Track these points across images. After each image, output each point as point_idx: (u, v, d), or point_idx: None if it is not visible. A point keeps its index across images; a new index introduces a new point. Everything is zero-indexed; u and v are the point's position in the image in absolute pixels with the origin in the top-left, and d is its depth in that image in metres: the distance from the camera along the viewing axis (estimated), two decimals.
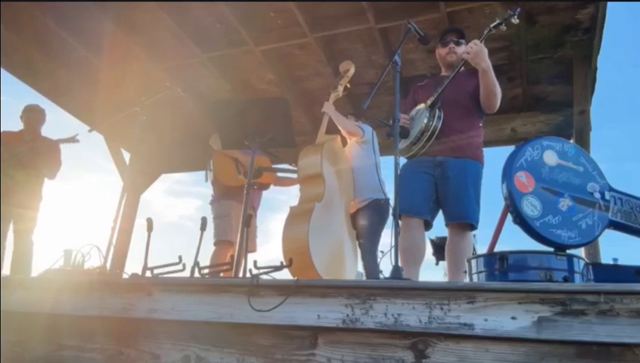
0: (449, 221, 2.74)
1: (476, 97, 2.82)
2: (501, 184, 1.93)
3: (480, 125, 2.92)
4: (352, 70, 3.67)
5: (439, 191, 2.76)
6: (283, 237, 2.95)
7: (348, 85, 3.70)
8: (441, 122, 2.77)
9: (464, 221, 2.68)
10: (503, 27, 2.75)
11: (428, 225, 2.82)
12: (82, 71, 4.74)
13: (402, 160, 2.92)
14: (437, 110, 2.80)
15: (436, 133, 2.76)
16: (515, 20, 2.70)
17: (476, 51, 2.67)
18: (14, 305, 2.20)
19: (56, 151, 4.44)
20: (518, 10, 2.71)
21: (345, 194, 3.40)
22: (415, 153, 2.82)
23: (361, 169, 3.44)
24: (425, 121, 2.77)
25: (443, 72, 3.05)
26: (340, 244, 3.25)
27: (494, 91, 2.72)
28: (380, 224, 3.34)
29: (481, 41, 2.70)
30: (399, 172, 2.23)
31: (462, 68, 2.87)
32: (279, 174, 4.22)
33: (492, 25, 2.74)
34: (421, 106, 2.90)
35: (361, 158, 3.48)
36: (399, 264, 1.96)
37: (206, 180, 4.10)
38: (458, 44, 3.00)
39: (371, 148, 3.41)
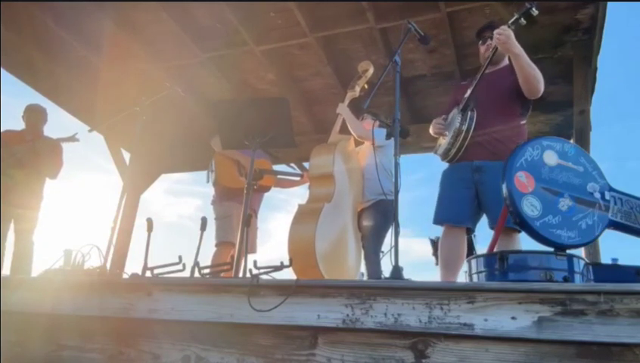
0: (493, 226, 2.66)
1: (513, 92, 2.72)
2: (501, 184, 1.93)
3: (522, 122, 2.81)
4: (370, 71, 3.66)
5: (479, 196, 2.70)
6: (289, 235, 2.95)
7: (365, 86, 3.69)
8: (474, 123, 2.71)
9: (505, 225, 2.57)
10: (522, 21, 2.64)
11: (469, 231, 2.80)
12: (82, 71, 4.74)
13: (444, 165, 2.92)
14: (469, 112, 2.73)
15: (470, 135, 2.71)
16: (534, 12, 2.60)
17: (507, 36, 2.59)
18: (14, 305, 2.20)
19: (58, 151, 4.44)
20: (536, 1, 2.61)
21: (353, 195, 3.40)
22: (453, 156, 2.79)
23: (372, 171, 3.42)
24: (457, 124, 2.74)
25: (488, 71, 2.94)
26: (345, 245, 3.25)
27: (532, 74, 2.63)
28: (384, 225, 3.32)
29: (509, 27, 2.62)
30: (399, 173, 2.23)
31: (506, 63, 2.81)
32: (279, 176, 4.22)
33: (510, 21, 2.64)
34: (455, 110, 2.85)
35: (372, 160, 3.46)
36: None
37: (208, 181, 4.09)
38: None
39: (385, 151, 3.39)
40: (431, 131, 3.00)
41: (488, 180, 2.66)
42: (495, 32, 2.65)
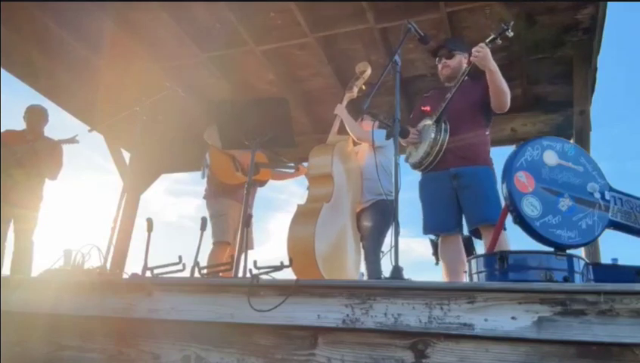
0: (477, 224, 2.77)
1: (481, 105, 2.90)
2: (501, 184, 1.93)
3: (487, 133, 2.99)
4: (368, 71, 3.66)
5: (460, 201, 2.83)
6: (289, 236, 2.95)
7: (363, 87, 3.69)
8: (448, 134, 2.85)
9: (489, 222, 2.67)
10: (499, 41, 2.81)
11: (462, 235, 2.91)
12: (82, 71, 4.74)
13: (417, 173, 3.04)
14: (443, 123, 2.88)
15: (445, 145, 2.85)
16: (510, 34, 2.79)
17: (485, 54, 2.73)
18: (14, 305, 2.20)
19: (57, 152, 4.45)
20: (512, 23, 2.81)
21: (352, 195, 3.40)
22: (427, 165, 2.91)
23: (372, 172, 3.41)
24: (433, 136, 2.86)
25: (447, 84, 3.09)
26: (344, 245, 3.25)
27: (503, 90, 2.79)
28: (384, 225, 3.31)
29: (487, 45, 2.77)
30: (399, 173, 2.25)
31: (466, 77, 2.91)
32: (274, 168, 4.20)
33: (487, 40, 2.80)
34: (428, 121, 2.98)
35: (372, 161, 3.45)
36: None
37: (203, 176, 4.05)
38: (450, 56, 3.07)
39: (384, 152, 3.39)
40: (402, 141, 3.05)
41: (465, 184, 2.80)
42: (474, 49, 2.79)
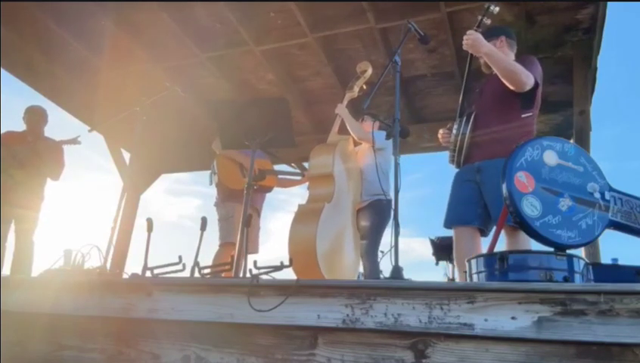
0: (495, 222, 2.63)
1: (509, 88, 2.68)
2: (501, 184, 1.93)
3: (524, 115, 2.71)
4: (369, 71, 3.66)
5: (483, 196, 2.72)
6: (290, 235, 2.95)
7: (364, 87, 3.69)
8: (469, 126, 2.77)
9: (511, 224, 2.51)
10: (487, 20, 2.72)
11: (483, 232, 2.77)
12: (82, 71, 4.75)
13: (444, 163, 2.99)
14: (465, 117, 2.81)
15: (465, 138, 2.76)
16: (495, 9, 2.70)
17: (473, 40, 2.63)
18: (14, 305, 2.20)
19: (59, 152, 4.46)
20: (493, 0, 2.72)
21: (353, 195, 3.41)
22: (457, 161, 2.86)
23: (371, 172, 3.41)
24: (454, 131, 2.83)
25: (487, 72, 2.96)
26: (344, 245, 3.26)
27: (509, 69, 2.63)
28: (381, 224, 3.32)
29: (475, 30, 2.67)
30: (399, 173, 2.24)
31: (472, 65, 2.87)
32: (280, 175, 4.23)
33: (475, 26, 2.71)
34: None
35: (372, 161, 3.45)
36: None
37: (211, 183, 4.10)
38: None
39: (383, 153, 3.39)
40: (443, 142, 3.05)
41: (486, 180, 2.69)
42: (464, 37, 2.68)
